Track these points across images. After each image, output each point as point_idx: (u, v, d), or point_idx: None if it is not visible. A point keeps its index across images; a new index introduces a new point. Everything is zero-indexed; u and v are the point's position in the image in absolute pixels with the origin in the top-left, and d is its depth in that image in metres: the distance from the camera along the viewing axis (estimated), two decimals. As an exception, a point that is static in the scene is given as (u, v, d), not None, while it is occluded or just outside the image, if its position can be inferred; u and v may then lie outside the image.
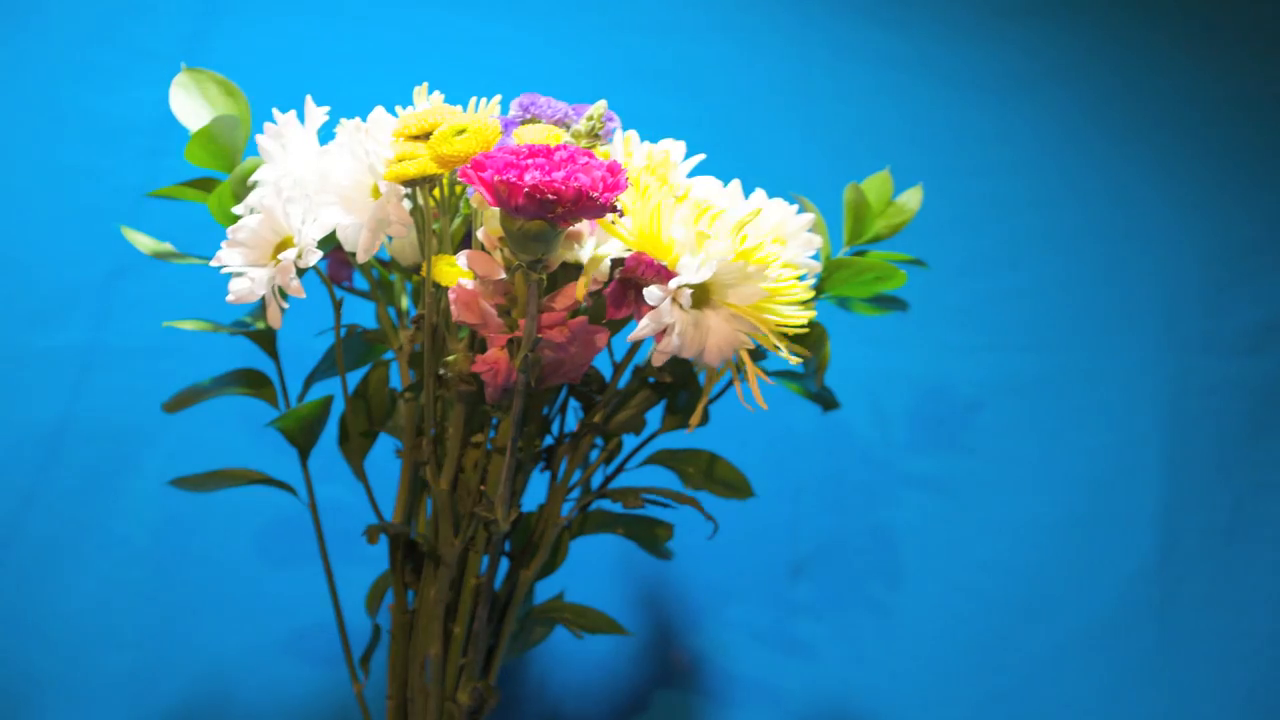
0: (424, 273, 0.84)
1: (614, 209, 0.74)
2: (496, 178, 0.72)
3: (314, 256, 0.82)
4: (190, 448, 1.19)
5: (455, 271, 0.81)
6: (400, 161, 0.81)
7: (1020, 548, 1.33)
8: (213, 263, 0.85)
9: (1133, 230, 1.38)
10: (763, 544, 1.28)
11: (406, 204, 0.85)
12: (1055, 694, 1.31)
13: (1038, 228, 1.37)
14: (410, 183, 0.81)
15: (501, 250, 0.79)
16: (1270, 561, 1.35)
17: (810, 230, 0.94)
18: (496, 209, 0.76)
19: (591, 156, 0.73)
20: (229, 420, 1.17)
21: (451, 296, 0.79)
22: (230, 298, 0.85)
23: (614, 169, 0.73)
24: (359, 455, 1.01)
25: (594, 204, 0.72)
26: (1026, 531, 1.34)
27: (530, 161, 0.72)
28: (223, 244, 0.85)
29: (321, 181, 0.87)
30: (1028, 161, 1.37)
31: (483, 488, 0.90)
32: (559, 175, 0.71)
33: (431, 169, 0.80)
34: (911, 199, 1.05)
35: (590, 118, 0.81)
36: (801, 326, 0.81)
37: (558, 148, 0.73)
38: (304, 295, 0.82)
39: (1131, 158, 1.39)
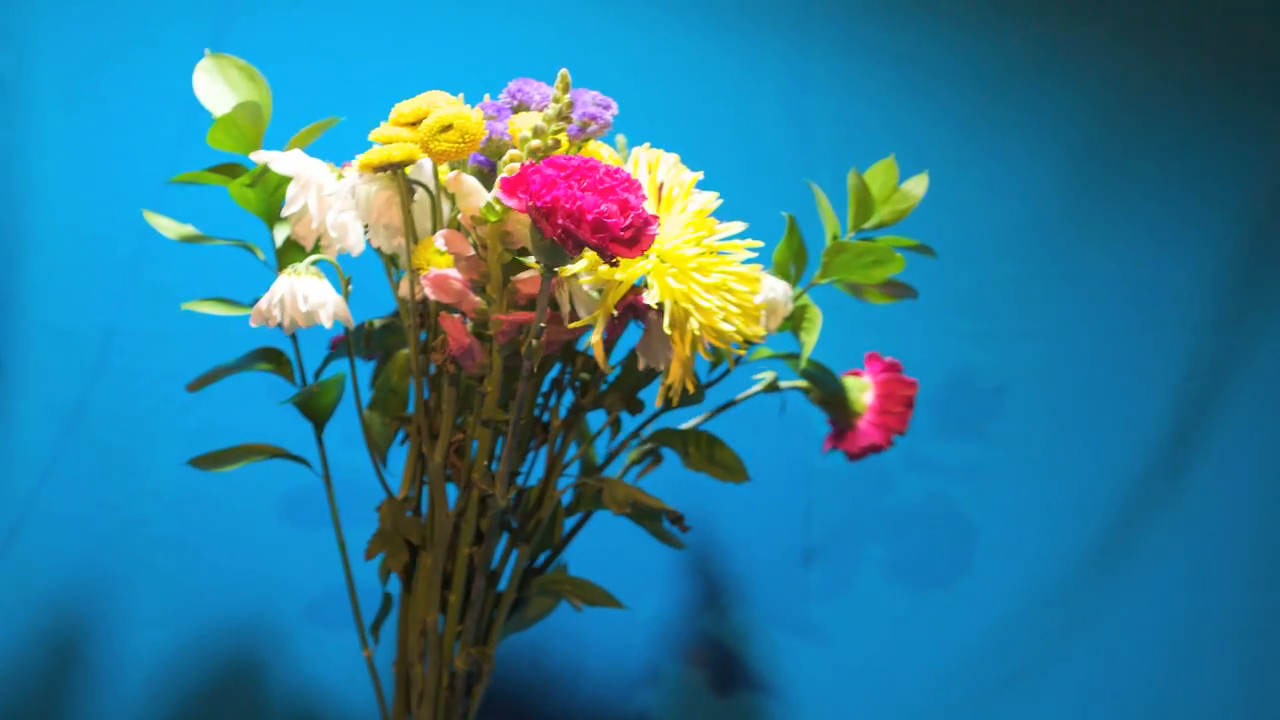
0: (409, 255, 0.88)
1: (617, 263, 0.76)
2: (532, 204, 0.73)
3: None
4: (207, 426, 1.21)
5: (437, 259, 0.84)
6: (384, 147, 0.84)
7: (1032, 531, 1.33)
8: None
9: (1135, 213, 1.37)
10: (776, 529, 1.29)
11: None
12: (1071, 676, 1.31)
13: (1034, 214, 1.36)
14: (382, 168, 0.85)
15: (475, 229, 0.82)
16: None
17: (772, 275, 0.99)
18: (470, 189, 0.79)
19: (634, 190, 0.73)
20: (244, 398, 1.19)
21: (425, 279, 0.82)
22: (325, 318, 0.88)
23: (648, 222, 0.74)
24: (385, 443, 1.05)
25: (607, 255, 0.74)
26: (1038, 515, 1.34)
27: (569, 199, 0.72)
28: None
29: (375, 218, 0.91)
30: (1024, 150, 1.36)
31: (485, 462, 0.93)
32: (589, 210, 0.72)
33: (401, 155, 0.83)
34: (916, 186, 1.06)
35: (556, 99, 0.81)
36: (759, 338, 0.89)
37: (601, 174, 0.73)
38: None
39: (1128, 143, 1.37)
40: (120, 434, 1.23)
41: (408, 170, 0.88)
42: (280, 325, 0.86)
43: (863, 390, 1.08)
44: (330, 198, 0.90)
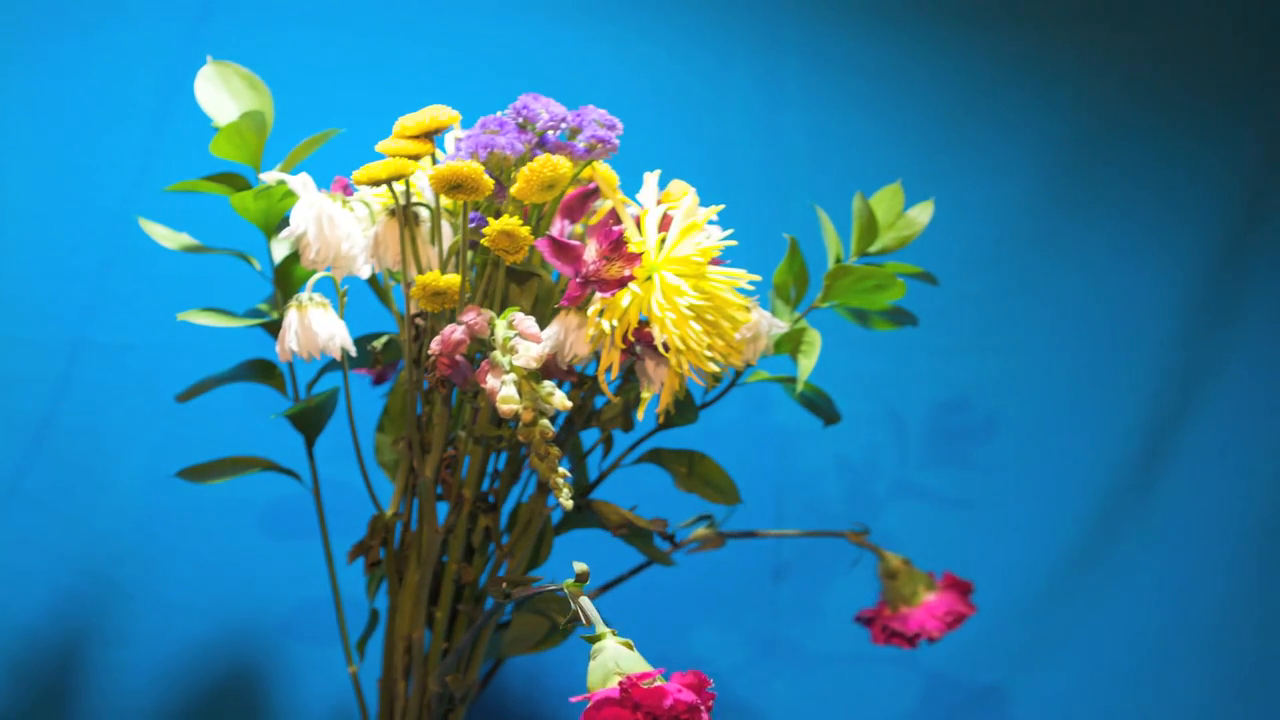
0: (404, 272, 0.88)
1: None
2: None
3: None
4: (175, 441, 1.20)
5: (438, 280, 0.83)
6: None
7: (1002, 546, 1.33)
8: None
9: (1104, 228, 1.37)
10: (745, 544, 1.28)
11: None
12: (1042, 692, 1.32)
13: (1003, 229, 1.37)
14: (379, 183, 0.84)
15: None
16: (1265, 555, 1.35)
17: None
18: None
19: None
20: (213, 412, 1.16)
21: (434, 349, 0.82)
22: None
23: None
24: (395, 464, 1.04)
25: None
26: (1007, 530, 1.34)
27: None
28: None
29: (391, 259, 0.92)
30: (994, 165, 1.37)
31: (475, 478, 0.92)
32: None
33: (387, 171, 0.83)
34: (921, 213, 1.05)
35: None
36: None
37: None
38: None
39: (1098, 158, 1.38)
40: (87, 448, 1.20)
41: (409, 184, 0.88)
42: (300, 357, 0.89)
43: (929, 590, 1.09)
44: (342, 228, 0.90)
